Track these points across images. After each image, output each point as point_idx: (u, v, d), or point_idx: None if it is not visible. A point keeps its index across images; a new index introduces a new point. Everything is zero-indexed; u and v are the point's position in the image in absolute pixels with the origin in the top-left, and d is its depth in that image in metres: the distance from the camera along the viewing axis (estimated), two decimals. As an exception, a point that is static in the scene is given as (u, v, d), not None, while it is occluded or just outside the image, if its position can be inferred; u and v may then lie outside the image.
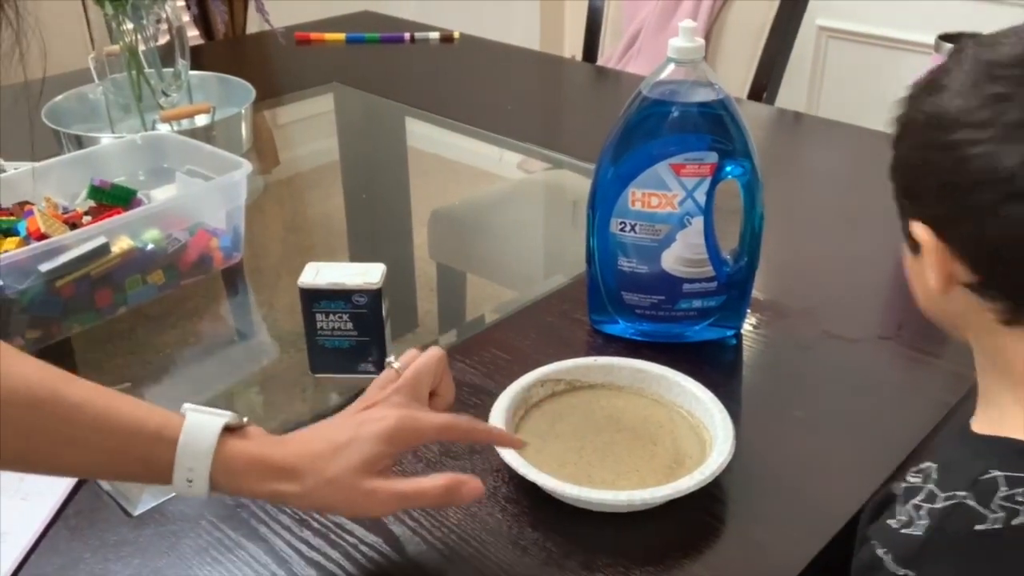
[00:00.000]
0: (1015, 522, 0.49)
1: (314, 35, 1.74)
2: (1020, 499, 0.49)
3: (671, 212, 0.80)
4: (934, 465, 0.54)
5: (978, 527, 0.49)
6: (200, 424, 0.58)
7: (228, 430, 0.59)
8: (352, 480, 0.58)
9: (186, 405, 0.59)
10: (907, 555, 0.51)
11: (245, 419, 0.60)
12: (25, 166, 1.03)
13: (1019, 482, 0.49)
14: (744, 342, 0.87)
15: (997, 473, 0.50)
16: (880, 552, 0.52)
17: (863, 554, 0.54)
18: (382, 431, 0.60)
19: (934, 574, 0.50)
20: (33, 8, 0.58)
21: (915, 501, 0.52)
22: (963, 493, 0.50)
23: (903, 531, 0.52)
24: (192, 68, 1.36)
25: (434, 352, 0.67)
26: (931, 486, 0.52)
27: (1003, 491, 0.49)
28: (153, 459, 0.58)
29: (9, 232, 0.91)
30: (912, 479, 0.54)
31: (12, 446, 0.56)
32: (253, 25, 2.22)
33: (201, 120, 1.28)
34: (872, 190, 1.18)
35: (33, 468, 0.60)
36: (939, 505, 0.51)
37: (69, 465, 0.60)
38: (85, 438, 0.57)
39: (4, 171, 1.04)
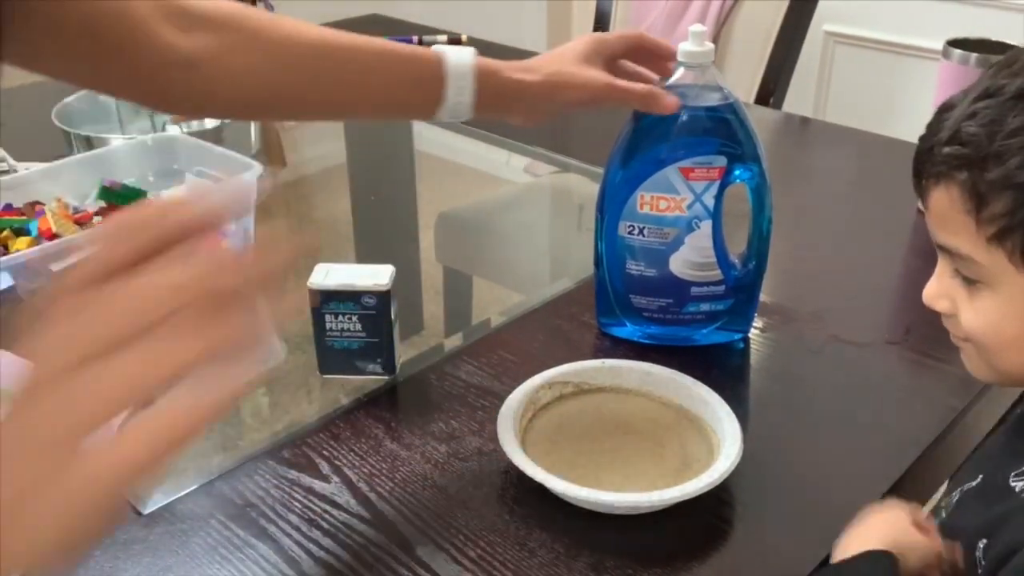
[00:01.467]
0: None
1: (322, 38, 1.75)
2: None
3: (679, 216, 0.80)
4: None
5: None
6: (453, 48, 0.75)
7: None
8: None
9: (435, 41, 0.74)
10: None
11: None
12: (36, 166, 1.03)
13: None
14: (752, 346, 0.87)
15: None
16: None
17: (1019, 562, 0.54)
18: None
19: None
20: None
21: None
22: None
23: None
24: (202, 70, 1.36)
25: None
26: None
27: None
28: (426, 74, 0.74)
29: (21, 232, 0.92)
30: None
31: (313, 91, 0.73)
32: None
33: (211, 122, 1.28)
34: (879, 194, 1.18)
35: (328, 111, 0.82)
36: None
37: (357, 101, 0.77)
38: (367, 74, 0.74)
39: (16, 171, 1.05)
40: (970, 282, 0.57)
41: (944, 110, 0.56)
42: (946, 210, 0.55)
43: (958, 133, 0.54)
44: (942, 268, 0.59)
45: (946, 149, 0.54)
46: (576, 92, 0.78)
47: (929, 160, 0.56)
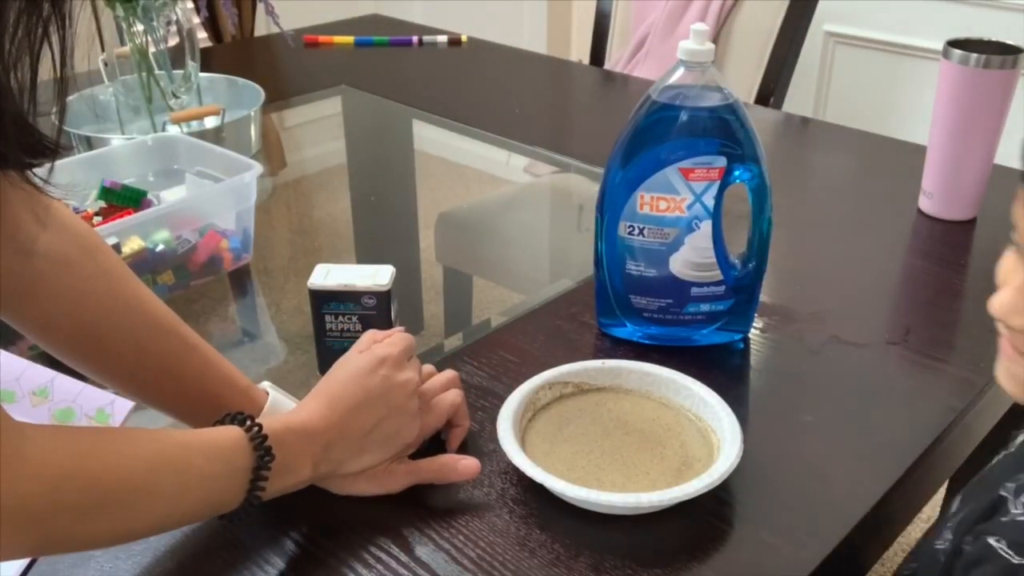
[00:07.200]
0: None
1: (323, 38, 1.75)
2: None
3: (679, 216, 0.80)
4: None
5: None
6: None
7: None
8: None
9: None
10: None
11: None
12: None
13: None
14: (752, 346, 0.87)
15: None
16: (992, 540, 0.53)
17: (973, 551, 0.54)
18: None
19: None
20: None
21: None
22: None
23: (1020, 518, 0.53)
24: (201, 70, 1.36)
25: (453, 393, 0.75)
26: None
27: None
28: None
29: (20, 232, 0.92)
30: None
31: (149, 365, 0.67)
32: (261, 27, 2.23)
33: (211, 122, 1.28)
34: (879, 195, 1.18)
35: (125, 383, 0.70)
36: None
37: (150, 389, 0.70)
38: (177, 373, 0.68)
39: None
40: None
41: None
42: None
43: None
44: None
45: None
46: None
47: None
